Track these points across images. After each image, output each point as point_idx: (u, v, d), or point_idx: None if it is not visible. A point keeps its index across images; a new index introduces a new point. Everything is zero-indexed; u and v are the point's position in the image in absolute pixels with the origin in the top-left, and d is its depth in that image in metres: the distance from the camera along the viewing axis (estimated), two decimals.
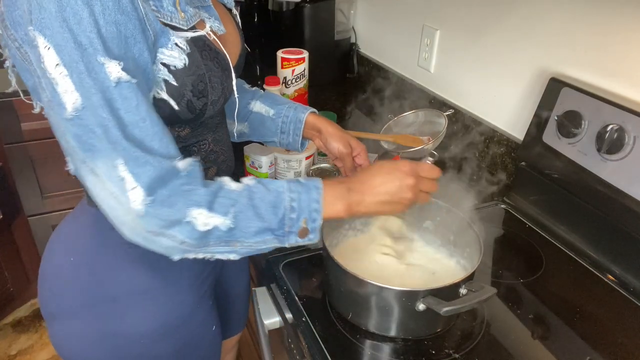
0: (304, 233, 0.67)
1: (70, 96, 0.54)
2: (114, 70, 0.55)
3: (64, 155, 0.64)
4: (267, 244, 0.66)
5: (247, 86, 1.00)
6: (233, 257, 0.66)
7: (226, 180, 0.65)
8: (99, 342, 0.77)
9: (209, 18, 0.70)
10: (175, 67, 0.63)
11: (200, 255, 0.64)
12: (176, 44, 0.62)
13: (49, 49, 0.53)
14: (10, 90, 0.68)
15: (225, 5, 0.83)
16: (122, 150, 0.56)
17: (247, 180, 0.66)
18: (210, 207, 0.60)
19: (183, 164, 0.61)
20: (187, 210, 0.59)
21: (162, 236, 0.60)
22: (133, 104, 0.57)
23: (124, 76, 0.55)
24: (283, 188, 0.66)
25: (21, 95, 0.70)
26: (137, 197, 0.57)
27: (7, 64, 0.64)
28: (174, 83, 0.63)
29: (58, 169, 1.82)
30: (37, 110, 0.68)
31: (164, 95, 0.63)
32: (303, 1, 1.67)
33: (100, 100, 0.55)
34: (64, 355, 0.80)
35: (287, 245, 0.67)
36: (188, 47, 0.64)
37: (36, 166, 1.81)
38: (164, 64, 0.62)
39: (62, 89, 0.54)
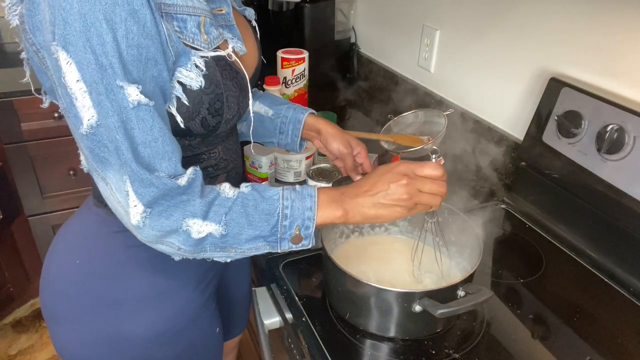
0: (297, 239, 0.68)
1: (87, 112, 0.56)
2: (133, 93, 0.56)
3: (79, 152, 0.65)
4: (259, 250, 0.68)
5: None
6: (229, 260, 0.68)
7: (224, 188, 0.66)
8: (102, 347, 0.76)
9: (232, 38, 0.70)
10: (191, 87, 0.64)
11: (199, 257, 0.66)
12: (195, 65, 0.63)
13: (70, 64, 0.54)
14: (24, 81, 0.68)
15: (245, 17, 0.83)
16: (130, 171, 0.58)
17: (243, 187, 0.67)
18: (205, 216, 0.63)
19: (185, 177, 0.62)
20: (183, 221, 0.62)
21: (160, 244, 0.63)
22: (148, 125, 0.58)
23: (143, 99, 0.57)
24: (278, 196, 0.67)
25: (32, 87, 0.70)
26: (137, 212, 0.60)
27: (24, 55, 0.65)
28: (186, 102, 0.64)
29: (58, 169, 1.82)
30: (46, 105, 0.69)
31: (173, 110, 0.64)
32: (303, 1, 1.67)
33: (117, 122, 0.56)
34: (66, 358, 0.80)
35: (279, 251, 0.69)
36: (206, 69, 0.64)
37: (36, 166, 1.81)
38: (180, 83, 0.63)
39: (80, 104, 0.56)
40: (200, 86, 0.64)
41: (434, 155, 0.75)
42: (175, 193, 0.61)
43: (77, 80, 0.54)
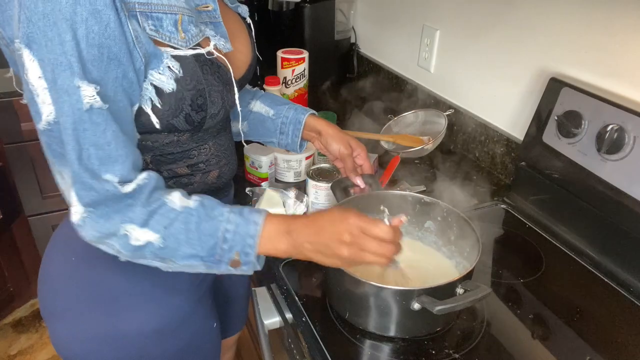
0: (235, 264, 0.67)
1: (46, 108, 0.57)
2: (88, 94, 0.56)
3: None
4: (194, 268, 0.67)
5: (248, 86, 1.00)
6: (171, 270, 0.68)
7: (172, 197, 0.65)
8: (98, 343, 0.77)
9: (215, 36, 0.70)
10: (163, 89, 0.64)
11: (141, 262, 0.67)
12: (168, 67, 0.63)
13: (33, 61, 0.55)
14: (8, 75, 0.68)
15: (239, 14, 0.83)
16: (73, 172, 0.59)
17: (192, 201, 0.66)
18: (144, 224, 0.63)
19: (132, 184, 0.62)
20: (121, 225, 0.62)
21: (101, 244, 0.64)
22: (101, 128, 0.58)
23: (97, 102, 0.57)
24: (222, 217, 0.66)
25: (14, 84, 0.70)
26: (76, 212, 0.61)
27: None
28: (159, 105, 0.64)
29: None
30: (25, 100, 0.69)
31: (149, 111, 0.64)
32: (303, 1, 1.67)
33: (69, 121, 0.57)
34: (64, 355, 0.80)
35: (217, 273, 0.68)
36: (184, 67, 0.64)
37: (36, 166, 1.81)
38: (152, 85, 0.63)
39: (40, 100, 0.57)
40: (173, 89, 0.64)
41: (386, 216, 0.70)
42: (118, 199, 0.61)
43: (39, 77, 0.56)
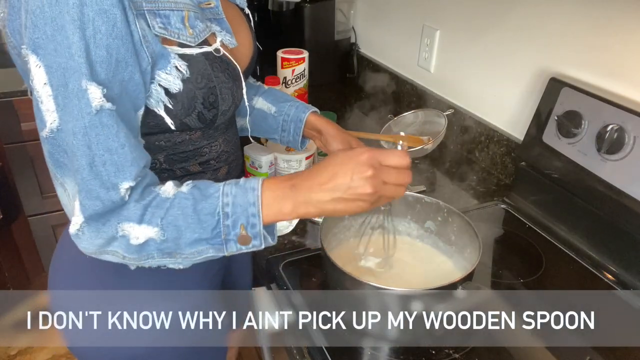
0: (244, 240, 0.62)
1: (50, 116, 0.56)
2: (96, 96, 0.55)
3: None
4: (203, 254, 0.62)
5: (252, 81, 1.00)
6: (182, 267, 0.64)
7: (165, 188, 0.62)
8: (108, 338, 0.77)
9: (220, 31, 0.70)
10: (170, 90, 0.63)
11: (152, 265, 0.63)
12: (176, 67, 0.62)
13: (39, 67, 0.54)
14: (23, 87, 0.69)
15: (237, 5, 0.83)
16: (80, 179, 0.57)
17: (184, 186, 0.63)
18: (140, 220, 0.59)
19: (136, 190, 0.60)
20: (118, 225, 0.59)
21: (105, 253, 0.61)
22: (113, 131, 0.57)
23: (105, 104, 0.55)
24: (218, 192, 0.61)
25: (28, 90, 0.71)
26: (76, 222, 0.58)
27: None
28: (170, 106, 0.64)
29: None
30: None
31: (162, 113, 0.64)
32: (303, 1, 1.67)
33: (78, 127, 0.55)
34: (74, 348, 0.81)
35: (227, 254, 0.63)
36: (193, 65, 0.64)
37: (36, 166, 1.80)
38: (161, 86, 0.62)
39: (45, 107, 0.56)
40: (179, 89, 0.63)
41: (400, 142, 0.66)
42: (118, 207, 0.59)
43: (44, 84, 0.55)
